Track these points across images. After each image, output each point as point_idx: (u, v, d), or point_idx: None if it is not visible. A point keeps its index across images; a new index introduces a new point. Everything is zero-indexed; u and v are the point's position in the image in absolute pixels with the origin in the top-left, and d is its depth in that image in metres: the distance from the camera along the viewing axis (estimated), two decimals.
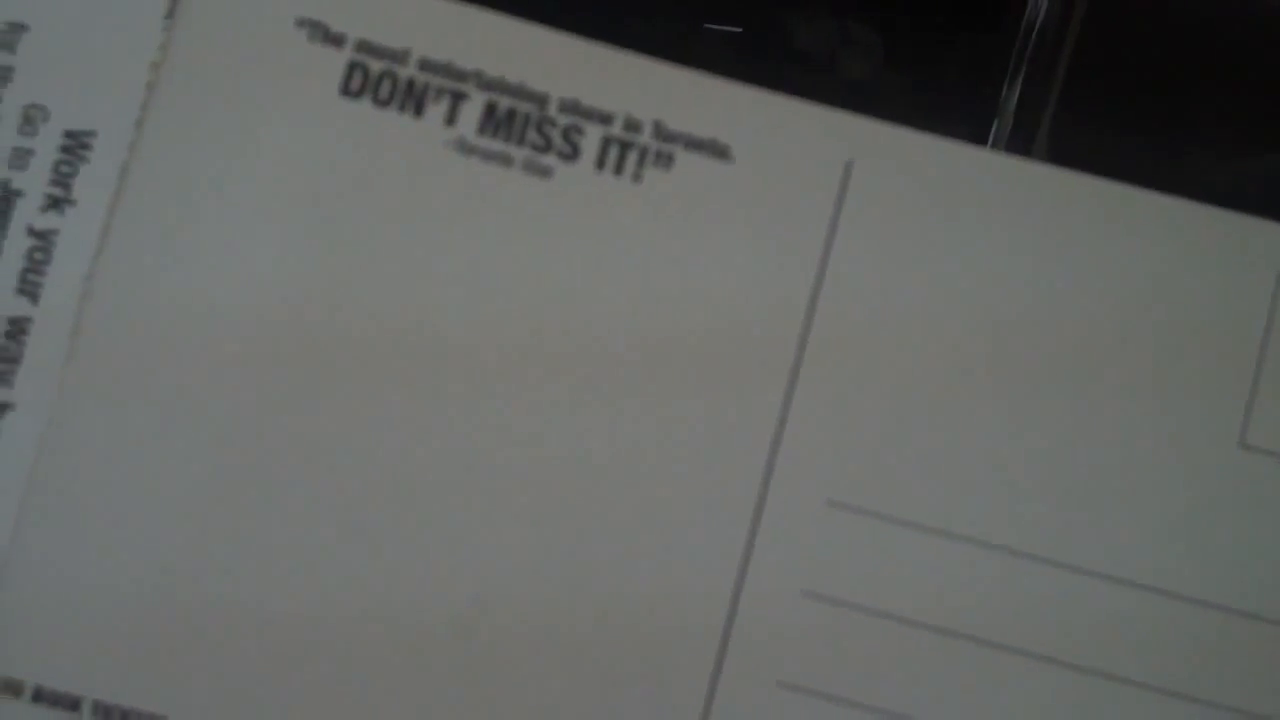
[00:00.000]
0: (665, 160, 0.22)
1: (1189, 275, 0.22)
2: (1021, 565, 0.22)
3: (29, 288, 0.22)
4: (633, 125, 0.22)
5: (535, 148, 0.22)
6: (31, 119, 0.22)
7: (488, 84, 0.22)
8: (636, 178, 0.22)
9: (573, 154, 0.22)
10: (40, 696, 0.21)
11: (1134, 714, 0.22)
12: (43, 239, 0.22)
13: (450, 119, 0.22)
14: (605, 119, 0.22)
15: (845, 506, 0.22)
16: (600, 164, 0.22)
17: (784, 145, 0.22)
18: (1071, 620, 0.22)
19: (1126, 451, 0.22)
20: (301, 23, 0.22)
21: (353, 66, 0.22)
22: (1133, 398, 0.22)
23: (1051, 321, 0.22)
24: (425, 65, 0.22)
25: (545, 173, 0.22)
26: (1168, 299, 0.22)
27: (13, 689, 0.21)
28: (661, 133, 0.22)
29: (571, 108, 0.22)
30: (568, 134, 0.22)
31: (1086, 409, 0.22)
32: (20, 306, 0.22)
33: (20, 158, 0.22)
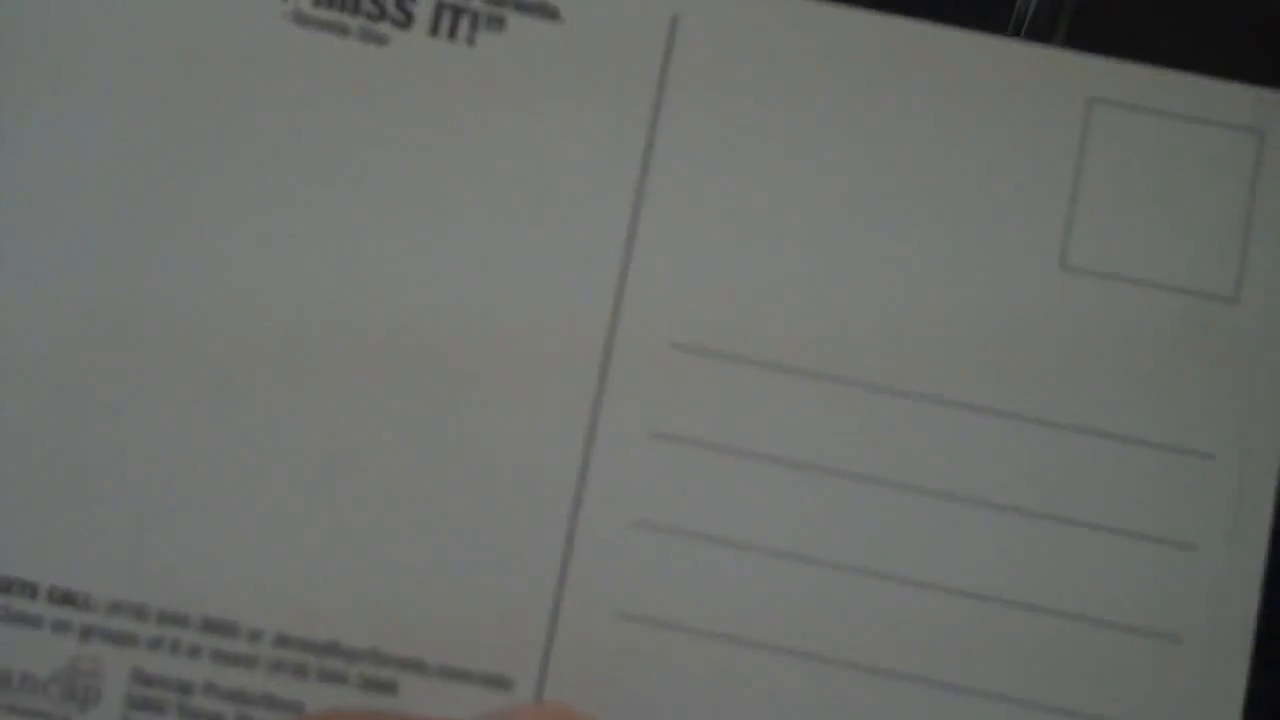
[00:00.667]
0: (497, 24, 0.23)
1: (1005, 107, 0.23)
2: (849, 391, 0.23)
3: None
4: None
5: (370, 16, 0.23)
6: None
7: None
8: (470, 42, 0.23)
9: (406, 21, 0.23)
10: None
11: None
12: None
13: None
14: None
15: (686, 347, 0.23)
16: (434, 30, 0.23)
17: (611, 3, 0.23)
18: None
19: (950, 276, 0.23)
20: None
21: None
22: (956, 225, 0.23)
23: (873, 160, 0.23)
24: None
25: (381, 40, 0.23)
26: (986, 131, 0.23)
27: None
28: None
29: None
30: (401, 2, 0.23)
31: (912, 239, 0.23)
32: None
33: None
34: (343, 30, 0.23)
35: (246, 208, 0.23)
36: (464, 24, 0.23)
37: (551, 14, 0.23)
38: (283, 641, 0.22)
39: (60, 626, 0.22)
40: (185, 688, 0.22)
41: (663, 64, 0.23)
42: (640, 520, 0.22)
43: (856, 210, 0.23)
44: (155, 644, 0.22)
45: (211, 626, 0.22)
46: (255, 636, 0.22)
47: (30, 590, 0.22)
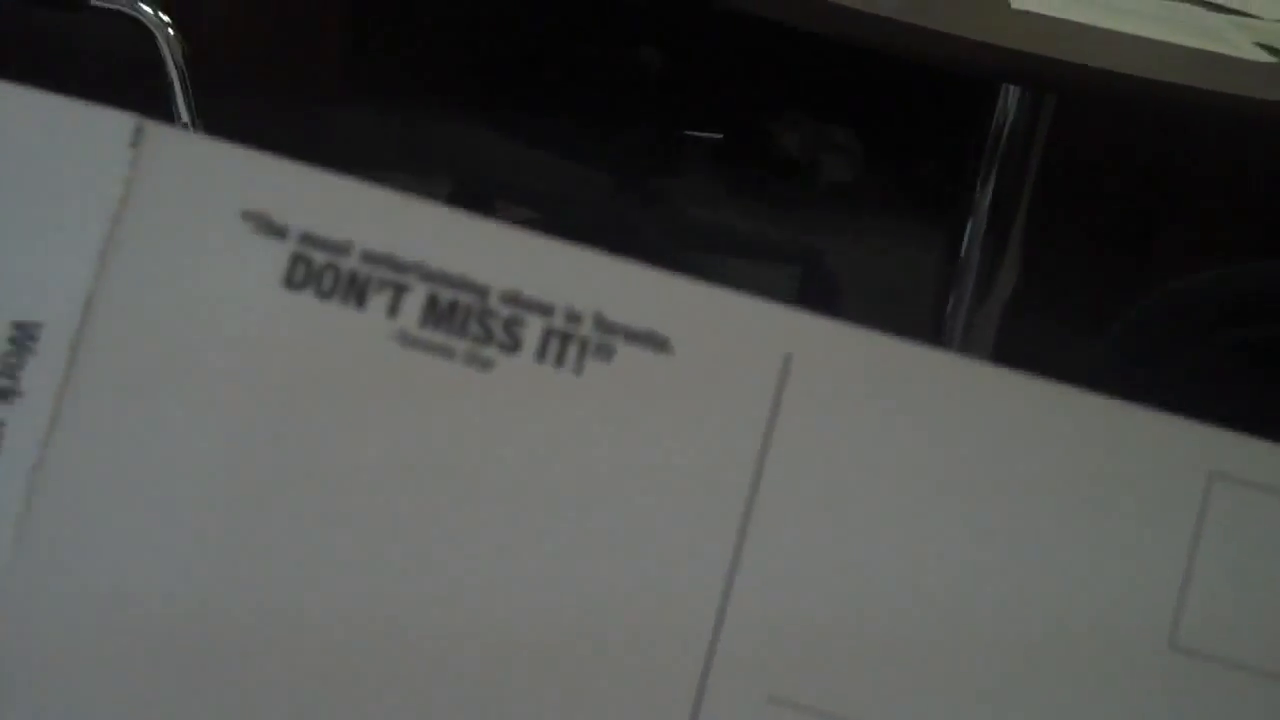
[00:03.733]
0: (606, 352, 0.23)
1: (1122, 475, 0.22)
2: None
3: None
4: (573, 317, 0.23)
5: (477, 340, 0.22)
6: None
7: (429, 276, 0.22)
8: (577, 370, 0.22)
9: (514, 346, 0.22)
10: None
11: None
12: None
13: (392, 311, 0.22)
14: (546, 311, 0.23)
15: (785, 703, 0.22)
16: (541, 356, 0.22)
17: (723, 338, 0.23)
18: None
19: (1061, 648, 0.22)
20: (247, 215, 0.22)
21: (296, 259, 0.22)
22: (1065, 597, 0.22)
23: (984, 519, 0.22)
24: (368, 257, 0.22)
25: (486, 365, 0.22)
26: (1101, 497, 0.22)
27: None
28: (602, 324, 0.23)
29: (512, 300, 0.23)
30: (509, 326, 0.22)
31: (1020, 605, 0.22)
32: None
33: None
34: (448, 353, 0.22)
35: (344, 525, 0.22)
36: (572, 351, 0.23)
37: (661, 345, 0.23)
38: None
39: None
40: None
41: (774, 402, 0.23)
42: None
43: (966, 571, 0.22)
44: None
45: None
46: None
47: None
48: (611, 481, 0.22)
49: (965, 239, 1.57)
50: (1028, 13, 1.25)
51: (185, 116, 1.15)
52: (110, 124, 0.22)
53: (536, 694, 0.22)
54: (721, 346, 0.23)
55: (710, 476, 0.22)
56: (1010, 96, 1.50)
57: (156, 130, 0.22)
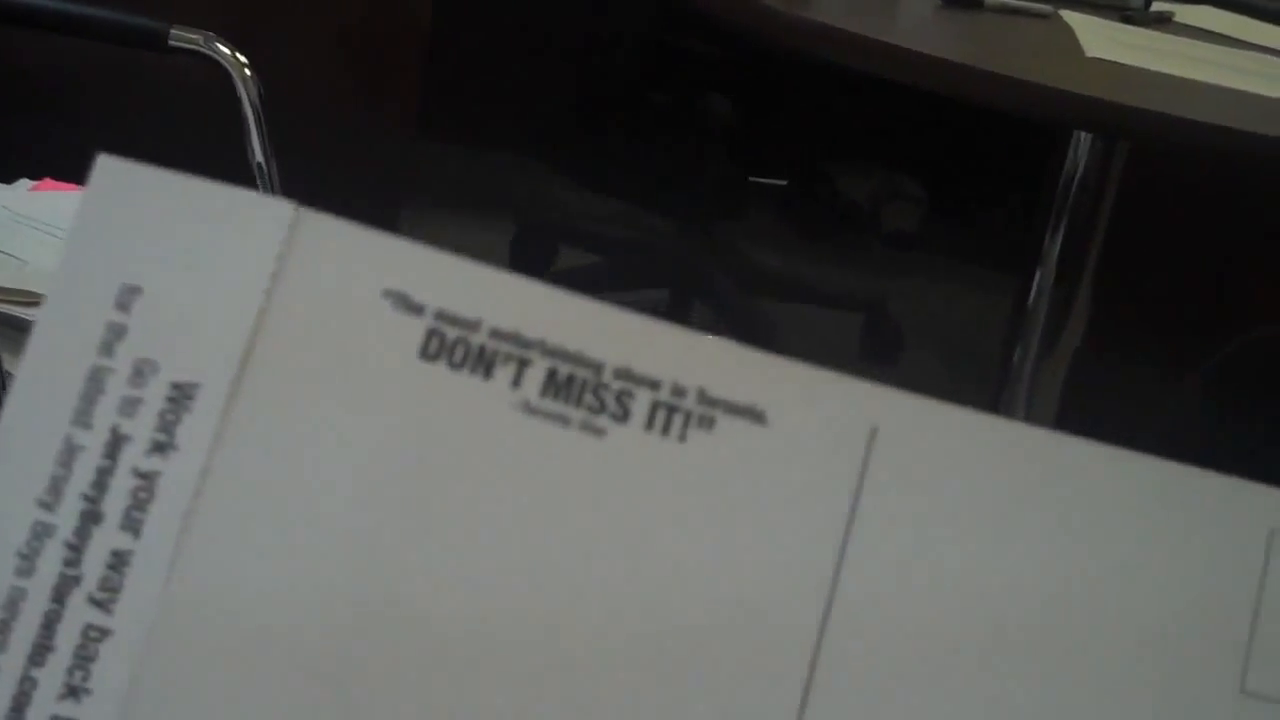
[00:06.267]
0: (707, 423, 0.25)
1: (1187, 535, 0.24)
2: None
3: (131, 524, 0.24)
4: (679, 391, 0.25)
5: (591, 409, 0.25)
6: (141, 371, 0.25)
7: (550, 352, 0.25)
8: (682, 438, 0.25)
9: (624, 416, 0.25)
10: None
11: None
12: (146, 479, 0.24)
13: (516, 382, 0.25)
14: (654, 385, 0.25)
15: None
16: (649, 425, 0.25)
17: (814, 411, 0.25)
18: None
19: (1127, 700, 0.24)
20: (388, 293, 0.25)
21: (431, 333, 0.25)
22: (1136, 658, 0.24)
23: (1058, 586, 0.24)
24: (495, 334, 0.25)
25: (599, 432, 0.25)
26: (1170, 559, 0.24)
27: None
28: (704, 398, 0.25)
29: (624, 374, 0.25)
30: (620, 398, 0.25)
31: (1090, 666, 0.24)
32: (124, 541, 0.24)
33: (129, 406, 0.24)
34: (565, 421, 0.25)
35: (459, 584, 0.24)
36: (677, 421, 0.25)
37: (758, 418, 0.25)
38: None
39: None
40: None
41: (860, 471, 0.25)
42: None
43: (1043, 639, 0.24)
44: None
45: None
46: None
47: None
48: (711, 539, 0.24)
49: (1033, 288, 1.58)
50: (1102, 60, 1.26)
51: (259, 155, 1.19)
52: (270, 210, 0.25)
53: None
54: (812, 419, 0.25)
55: (801, 535, 0.24)
56: (1082, 144, 1.51)
57: (310, 216, 0.25)
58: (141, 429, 0.24)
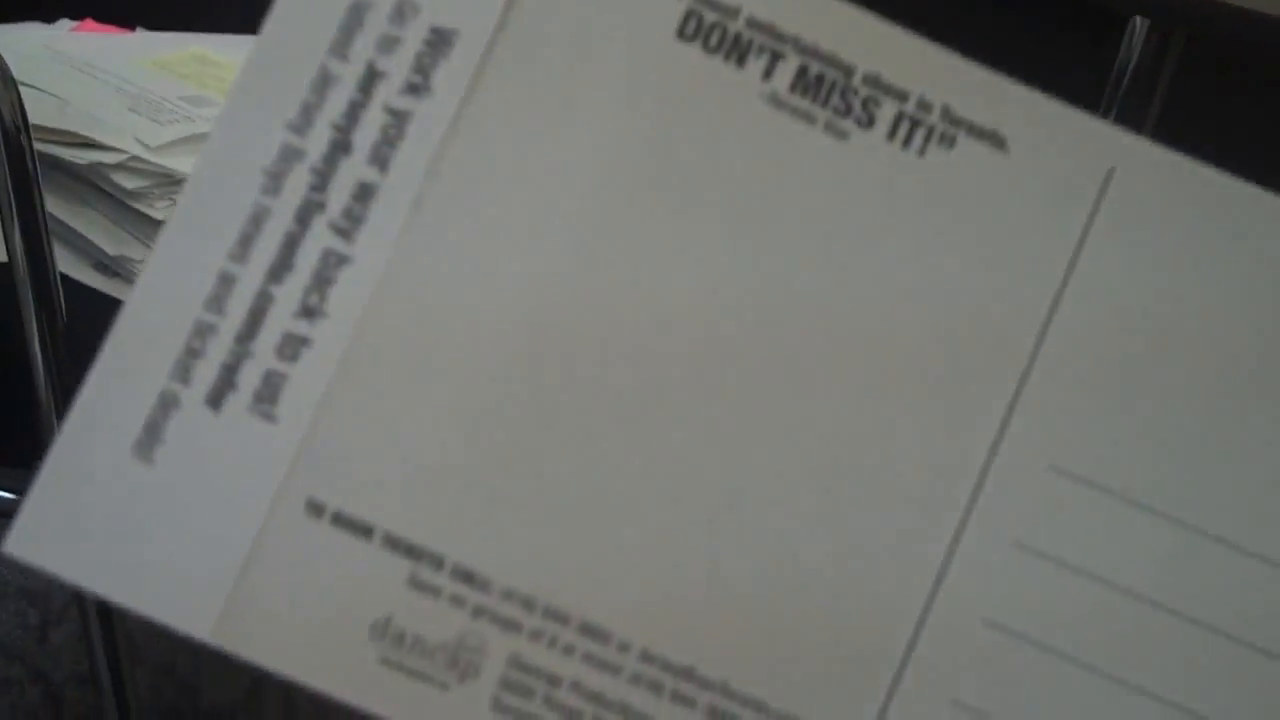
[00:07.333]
0: (949, 141, 0.25)
1: None
2: (1237, 558, 0.25)
3: (379, 159, 0.24)
4: (924, 105, 0.25)
5: (837, 111, 0.25)
6: (402, 11, 0.25)
7: (803, 49, 0.25)
8: (921, 153, 0.25)
9: (869, 123, 0.25)
10: (339, 521, 0.24)
11: None
12: (397, 117, 0.24)
13: (768, 74, 0.25)
14: (901, 96, 0.25)
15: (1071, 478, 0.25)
16: (891, 135, 0.25)
17: (1056, 144, 0.25)
18: None
19: None
20: None
21: (689, 14, 0.25)
22: None
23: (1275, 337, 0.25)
24: (752, 23, 0.25)
25: (843, 135, 0.25)
26: None
27: (315, 510, 0.24)
28: (949, 116, 0.25)
29: (873, 82, 0.25)
30: (866, 104, 0.25)
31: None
32: (370, 174, 0.24)
33: (388, 43, 0.25)
34: (810, 119, 0.25)
35: (686, 254, 0.25)
36: (919, 136, 0.25)
37: (1000, 143, 0.25)
38: (646, 657, 0.24)
39: (457, 601, 0.24)
40: (554, 680, 0.24)
41: (1092, 211, 0.25)
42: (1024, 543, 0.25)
43: (1257, 387, 0.25)
44: (536, 635, 0.24)
45: (588, 630, 0.24)
46: (624, 647, 0.24)
47: (437, 563, 0.24)
48: (937, 254, 0.25)
49: None
50: None
51: None
52: None
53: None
54: (1053, 151, 0.25)
55: (1025, 262, 0.25)
56: (1138, 33, 1.49)
57: None
58: (397, 68, 0.25)
